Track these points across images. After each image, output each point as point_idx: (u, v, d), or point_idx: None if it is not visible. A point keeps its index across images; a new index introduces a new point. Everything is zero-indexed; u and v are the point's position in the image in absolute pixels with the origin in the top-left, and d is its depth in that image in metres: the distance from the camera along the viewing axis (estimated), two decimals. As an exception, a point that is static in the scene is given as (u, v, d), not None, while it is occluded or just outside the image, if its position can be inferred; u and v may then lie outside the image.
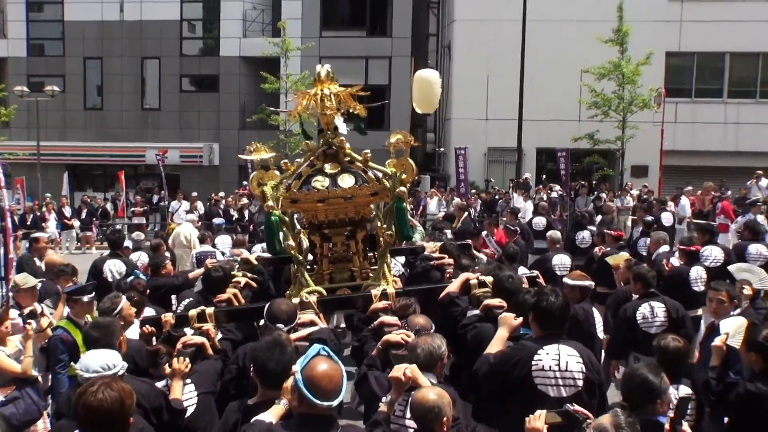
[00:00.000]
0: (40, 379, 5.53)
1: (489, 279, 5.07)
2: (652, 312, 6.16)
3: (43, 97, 23.75)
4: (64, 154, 28.07)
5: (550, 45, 24.11)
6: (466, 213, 13.76)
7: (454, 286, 4.99)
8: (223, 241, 11.91)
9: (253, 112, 23.99)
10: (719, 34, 25.17)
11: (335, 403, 2.95)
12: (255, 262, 6.25)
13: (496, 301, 4.72)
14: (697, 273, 7.74)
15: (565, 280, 6.02)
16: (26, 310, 5.77)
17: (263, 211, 5.47)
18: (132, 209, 21.52)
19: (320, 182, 5.21)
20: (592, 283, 5.95)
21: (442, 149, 28.98)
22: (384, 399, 3.61)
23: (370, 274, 5.45)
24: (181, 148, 27.71)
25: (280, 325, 4.27)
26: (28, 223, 19.11)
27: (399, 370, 3.53)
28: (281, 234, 5.33)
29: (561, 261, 9.02)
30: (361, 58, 27.34)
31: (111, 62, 28.53)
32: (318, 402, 2.93)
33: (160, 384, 4.07)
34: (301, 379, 2.97)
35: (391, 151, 5.33)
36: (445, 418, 3.20)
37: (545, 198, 20.30)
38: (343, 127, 5.58)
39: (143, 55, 28.47)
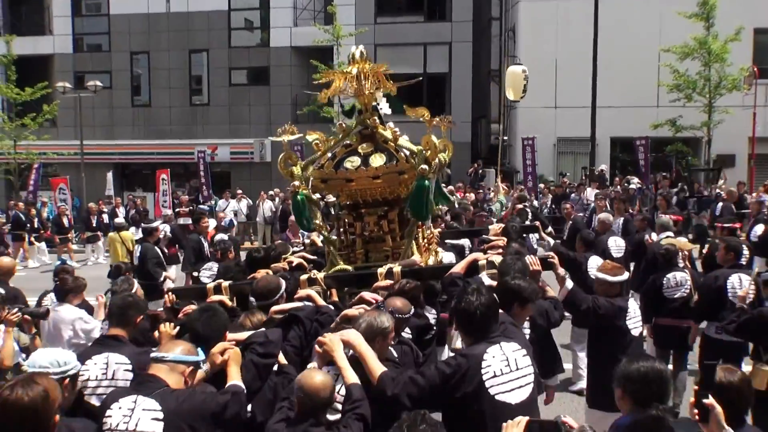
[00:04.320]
0: None
1: (498, 259, 5.23)
2: (741, 283, 6.70)
3: (85, 93, 24.03)
4: (111, 153, 29.04)
5: (624, 23, 23.58)
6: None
7: (459, 267, 5.14)
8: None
9: (306, 105, 23.69)
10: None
11: None
12: (320, 245, 6.75)
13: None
14: None
15: (596, 272, 6.07)
16: None
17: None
18: (177, 209, 21.46)
19: (351, 162, 5.61)
20: (623, 278, 5.86)
21: (505, 139, 28.21)
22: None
23: (409, 254, 5.73)
24: (232, 144, 28.26)
25: (252, 300, 4.98)
26: (94, 224, 19.26)
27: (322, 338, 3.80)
28: (309, 213, 5.84)
29: (615, 243, 9.89)
30: (419, 45, 27.28)
31: (158, 56, 29.39)
32: None
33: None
34: None
35: (442, 130, 5.73)
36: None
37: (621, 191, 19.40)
38: (386, 107, 5.98)
39: (191, 48, 29.20)
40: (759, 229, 11.90)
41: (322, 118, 23.38)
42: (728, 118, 21.24)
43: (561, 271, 5.51)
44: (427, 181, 5.35)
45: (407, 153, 5.60)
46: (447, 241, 7.92)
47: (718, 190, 19.89)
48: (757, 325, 5.62)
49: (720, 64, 21.24)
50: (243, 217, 22.15)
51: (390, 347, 4.20)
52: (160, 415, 3.33)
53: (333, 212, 6.71)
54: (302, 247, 7.56)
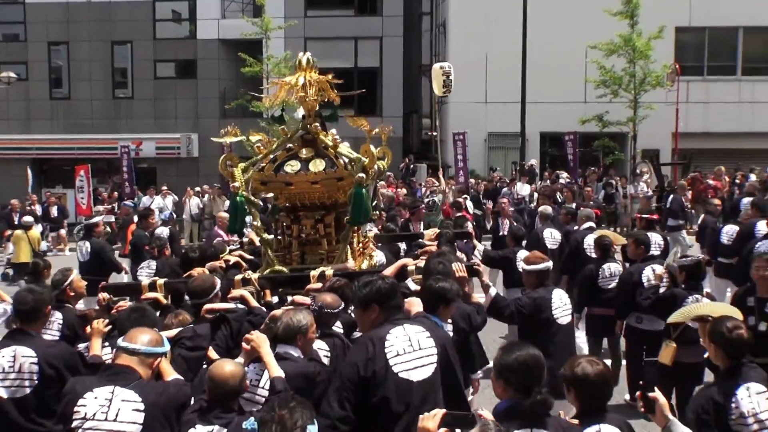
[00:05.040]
0: None
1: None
2: (654, 274, 7.10)
3: (-3, 85, 23.02)
4: (28, 148, 27.78)
5: (553, 20, 23.94)
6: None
7: (388, 272, 5.28)
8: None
9: (234, 99, 23.24)
10: (731, 7, 24.89)
11: None
12: (258, 244, 6.84)
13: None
14: (653, 238, 8.61)
15: (522, 265, 6.33)
16: None
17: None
18: (98, 207, 20.78)
19: (292, 166, 5.83)
20: (547, 265, 6.15)
21: (435, 134, 28.33)
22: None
23: (343, 258, 5.96)
24: (157, 139, 27.59)
25: (187, 298, 5.20)
26: (16, 222, 18.43)
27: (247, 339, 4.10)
28: (248, 214, 6.10)
29: (551, 235, 10.24)
30: (349, 39, 27.31)
31: (78, 47, 28.45)
32: None
33: (82, 346, 4.94)
34: None
35: (383, 138, 6.14)
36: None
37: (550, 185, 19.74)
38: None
39: (113, 39, 28.41)
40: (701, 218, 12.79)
41: (251, 113, 23.03)
42: (653, 113, 21.94)
43: (486, 279, 5.77)
44: (364, 189, 5.61)
45: (346, 160, 5.85)
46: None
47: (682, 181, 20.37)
48: (669, 304, 6.10)
49: (644, 61, 21.91)
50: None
51: (321, 341, 4.50)
52: (141, 407, 3.53)
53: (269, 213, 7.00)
54: (239, 246, 7.74)
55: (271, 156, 6.00)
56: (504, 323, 7.83)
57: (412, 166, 25.34)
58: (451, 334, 5.01)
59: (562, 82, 24.24)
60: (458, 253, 7.93)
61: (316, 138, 5.93)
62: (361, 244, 6.45)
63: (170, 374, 3.91)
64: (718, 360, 4.14)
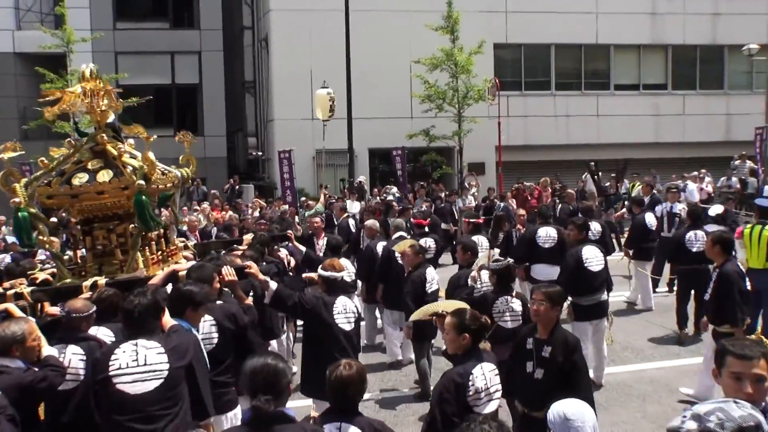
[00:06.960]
0: None
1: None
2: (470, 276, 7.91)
3: None
4: None
5: (377, 35, 24.68)
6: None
7: (158, 278, 5.70)
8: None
9: (35, 119, 21.24)
10: (543, 26, 26.78)
11: None
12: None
13: None
14: (479, 240, 9.59)
15: (320, 270, 6.72)
16: None
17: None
18: None
19: (79, 178, 5.92)
20: (339, 276, 6.66)
21: (261, 153, 27.67)
22: None
23: (134, 266, 6.13)
24: None
25: None
26: None
27: None
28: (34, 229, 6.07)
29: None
30: (165, 54, 26.40)
31: None
32: None
33: None
34: None
35: (186, 146, 6.59)
36: None
37: (379, 200, 19.64)
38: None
39: None
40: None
41: (55, 134, 21.12)
42: (476, 127, 22.86)
43: (262, 277, 6.14)
44: (144, 196, 5.81)
45: (131, 169, 6.03)
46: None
47: (470, 196, 20.85)
48: (480, 305, 6.61)
49: (466, 76, 22.69)
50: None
51: (76, 345, 4.80)
52: None
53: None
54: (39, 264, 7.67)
55: (59, 169, 6.06)
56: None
57: (237, 187, 24.44)
58: (216, 335, 5.46)
59: (388, 97, 25.02)
60: (285, 256, 8.68)
61: (104, 149, 6.08)
62: (162, 252, 6.63)
63: None
64: (458, 348, 4.77)
